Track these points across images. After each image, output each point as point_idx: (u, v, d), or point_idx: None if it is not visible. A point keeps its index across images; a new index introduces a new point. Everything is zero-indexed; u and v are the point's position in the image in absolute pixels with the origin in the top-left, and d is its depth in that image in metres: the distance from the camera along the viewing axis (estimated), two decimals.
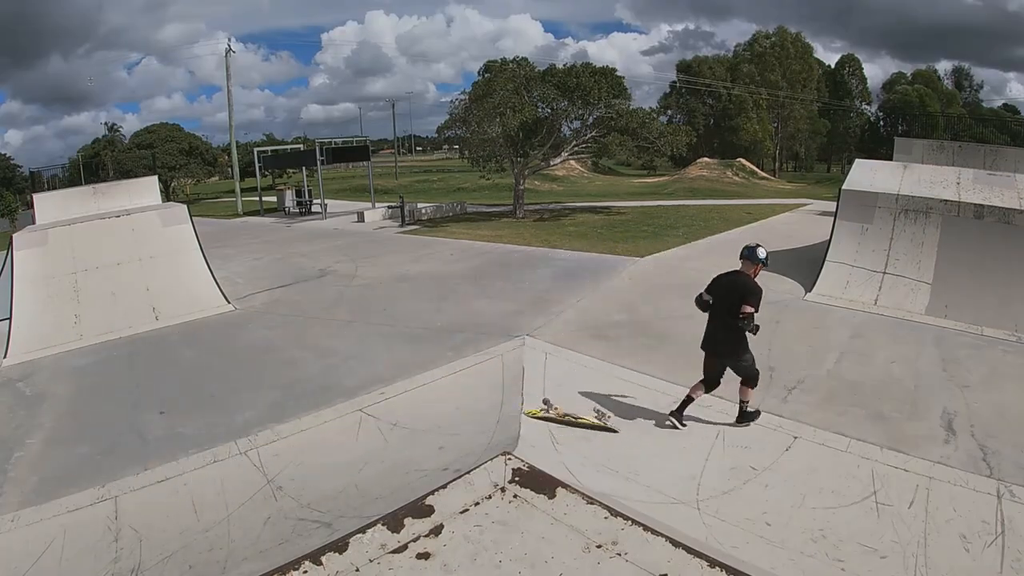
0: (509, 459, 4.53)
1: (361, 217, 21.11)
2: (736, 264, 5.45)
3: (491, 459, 4.55)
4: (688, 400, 5.53)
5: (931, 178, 10.05)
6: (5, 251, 9.36)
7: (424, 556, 3.65)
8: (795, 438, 5.33)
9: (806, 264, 10.54)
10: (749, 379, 5.35)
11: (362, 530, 3.85)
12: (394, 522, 3.89)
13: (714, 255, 12.00)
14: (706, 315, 5.50)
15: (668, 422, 5.52)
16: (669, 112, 52.66)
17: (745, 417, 5.50)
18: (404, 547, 3.71)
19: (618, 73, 20.16)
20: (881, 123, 50.29)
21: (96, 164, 37.94)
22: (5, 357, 8.16)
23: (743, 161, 40.68)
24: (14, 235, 9.53)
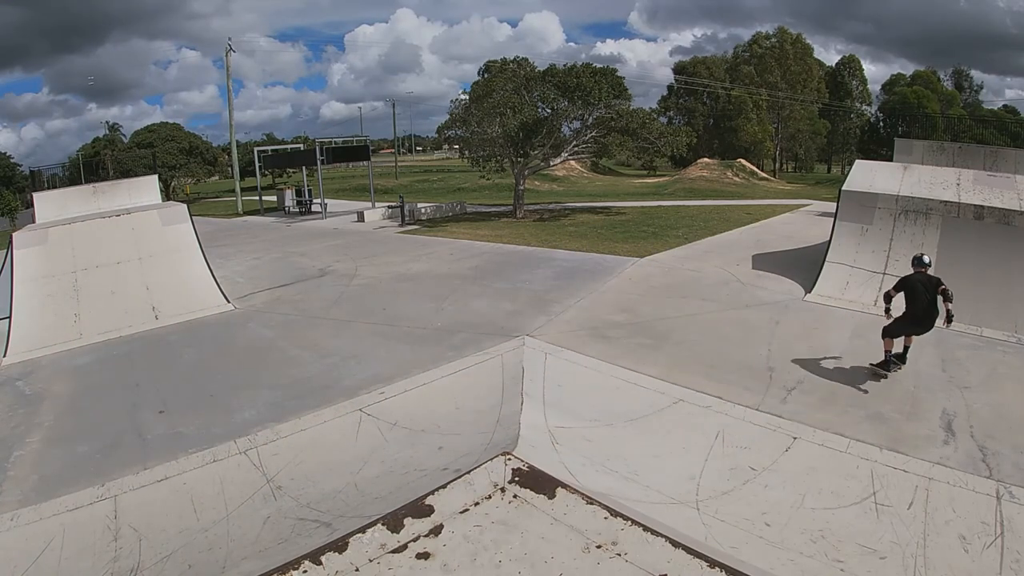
0: (509, 459, 4.52)
1: (361, 217, 21.11)
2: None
3: (491, 459, 4.54)
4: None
5: (931, 179, 10.05)
6: (5, 250, 9.35)
7: (424, 556, 3.65)
8: (795, 438, 5.33)
9: (806, 265, 10.54)
10: None
11: (362, 530, 3.84)
12: (394, 522, 3.89)
13: (714, 256, 12.03)
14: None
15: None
16: (669, 113, 52.74)
17: None
18: (404, 547, 3.71)
19: (619, 74, 20.17)
20: (881, 124, 50.24)
21: (96, 163, 37.94)
22: (5, 356, 8.15)
23: (743, 162, 40.68)
24: (14, 234, 9.52)
